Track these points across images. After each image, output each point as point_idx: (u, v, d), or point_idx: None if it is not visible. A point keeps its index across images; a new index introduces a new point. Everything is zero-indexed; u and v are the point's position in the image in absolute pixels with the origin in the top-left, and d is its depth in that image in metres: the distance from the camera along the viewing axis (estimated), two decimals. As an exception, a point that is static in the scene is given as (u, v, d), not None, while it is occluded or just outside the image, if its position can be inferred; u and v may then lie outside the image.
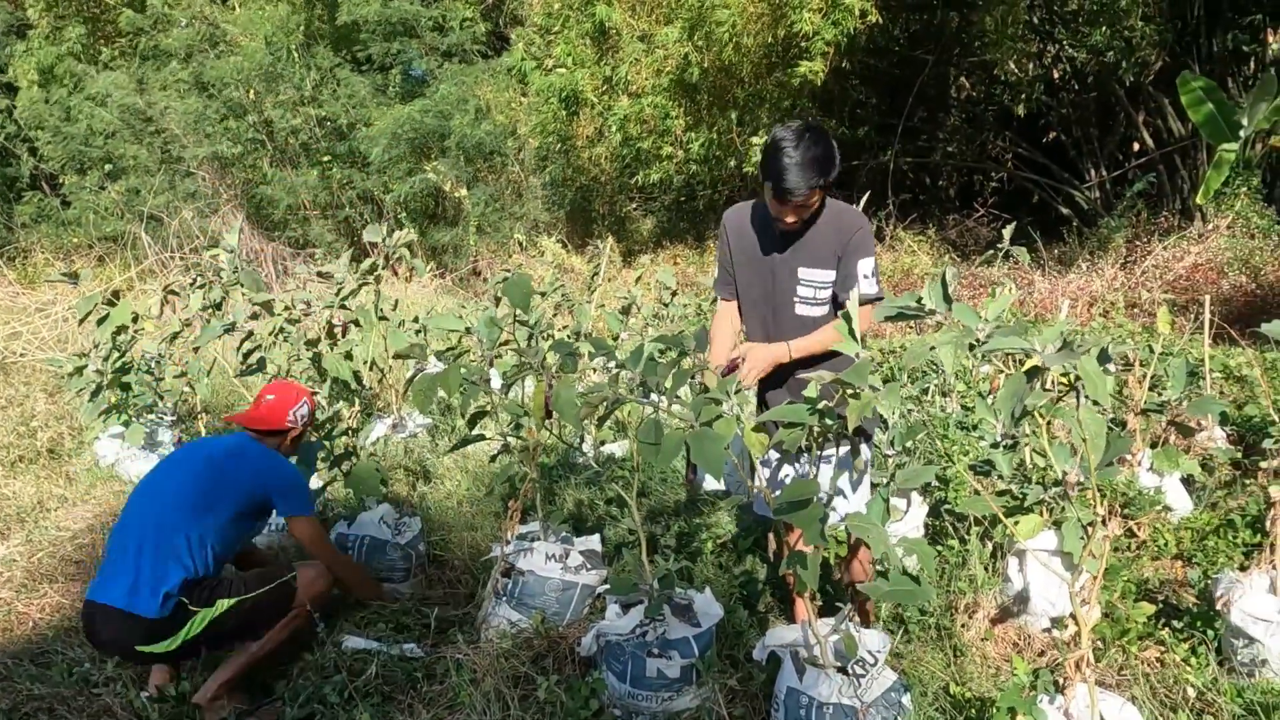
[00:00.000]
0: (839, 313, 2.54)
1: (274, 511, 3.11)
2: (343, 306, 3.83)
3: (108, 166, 15.02)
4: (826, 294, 2.68)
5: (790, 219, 2.56)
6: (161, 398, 5.08)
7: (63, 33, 16.77)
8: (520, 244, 13.68)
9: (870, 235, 2.65)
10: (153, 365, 5.03)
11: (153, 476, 3.03)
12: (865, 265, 2.61)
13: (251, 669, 2.92)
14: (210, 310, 3.97)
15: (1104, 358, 1.66)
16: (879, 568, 2.45)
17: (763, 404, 2.93)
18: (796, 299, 2.70)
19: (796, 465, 2.77)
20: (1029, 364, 1.83)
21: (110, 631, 2.75)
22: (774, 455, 2.82)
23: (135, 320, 4.14)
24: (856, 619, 2.50)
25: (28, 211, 16.23)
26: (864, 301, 2.51)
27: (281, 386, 3.35)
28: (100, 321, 4.02)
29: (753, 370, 2.60)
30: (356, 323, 3.83)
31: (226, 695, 2.84)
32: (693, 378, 2.24)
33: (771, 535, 2.66)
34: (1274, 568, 2.83)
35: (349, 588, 3.34)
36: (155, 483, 2.99)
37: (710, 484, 4.56)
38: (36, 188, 17.18)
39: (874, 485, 2.71)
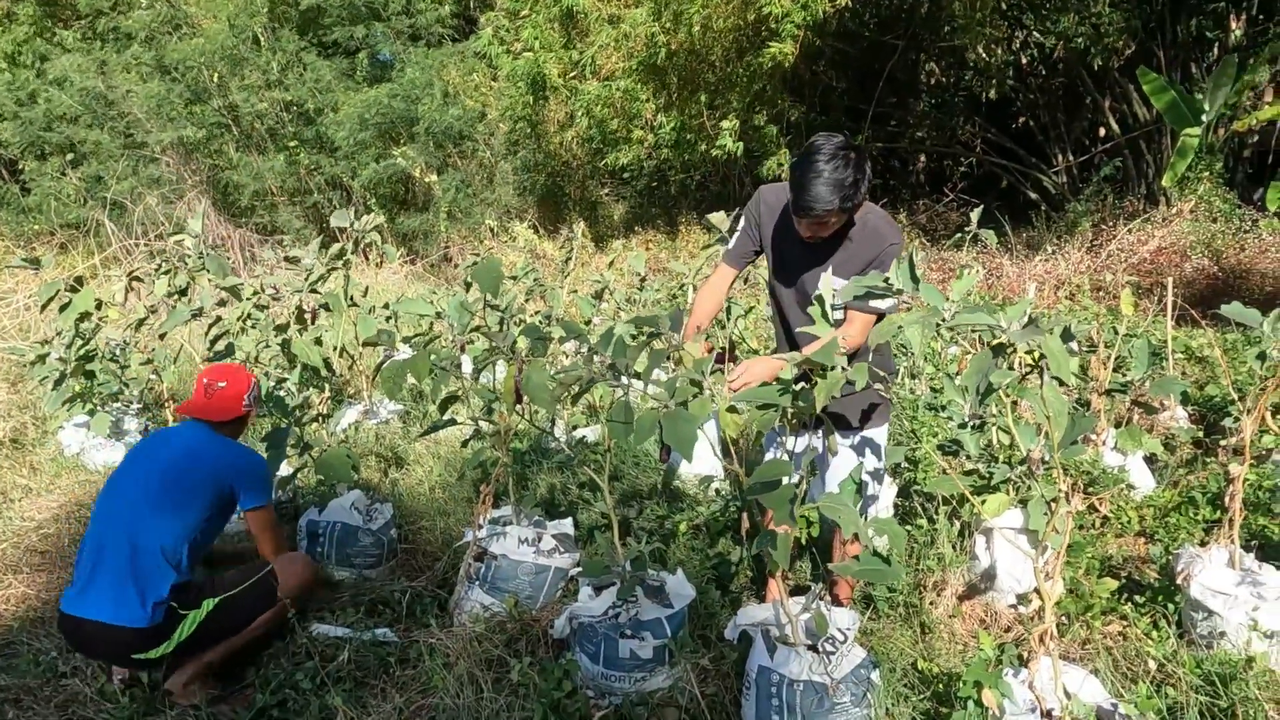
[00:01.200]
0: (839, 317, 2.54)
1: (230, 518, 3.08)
2: (313, 291, 3.79)
3: (69, 154, 14.72)
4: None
5: (807, 233, 2.50)
6: (127, 385, 5.00)
7: (18, 13, 16.39)
8: (492, 230, 13.61)
9: (899, 253, 2.52)
10: (117, 352, 4.96)
11: (118, 482, 2.93)
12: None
13: (228, 657, 2.90)
14: (176, 296, 3.92)
15: (1067, 335, 1.69)
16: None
17: None
18: (809, 299, 2.61)
19: (808, 441, 2.68)
20: (993, 343, 1.85)
21: (100, 646, 2.74)
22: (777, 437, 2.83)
23: (99, 307, 4.07)
24: (827, 597, 2.53)
25: (-14, 198, 15.89)
26: (869, 313, 2.50)
27: (227, 371, 3.18)
28: (63, 308, 3.95)
29: (745, 382, 2.44)
30: (326, 307, 3.80)
31: (199, 682, 2.82)
32: (666, 359, 2.24)
33: (744, 516, 2.67)
34: (1232, 543, 2.90)
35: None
36: (122, 490, 2.89)
37: (693, 468, 4.59)
38: (-5, 174, 16.81)
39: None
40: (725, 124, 10.22)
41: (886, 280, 1.92)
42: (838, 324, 2.58)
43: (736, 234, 2.83)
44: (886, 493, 3.70)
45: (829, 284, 2.31)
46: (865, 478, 2.69)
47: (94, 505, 2.93)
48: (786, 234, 2.66)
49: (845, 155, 2.36)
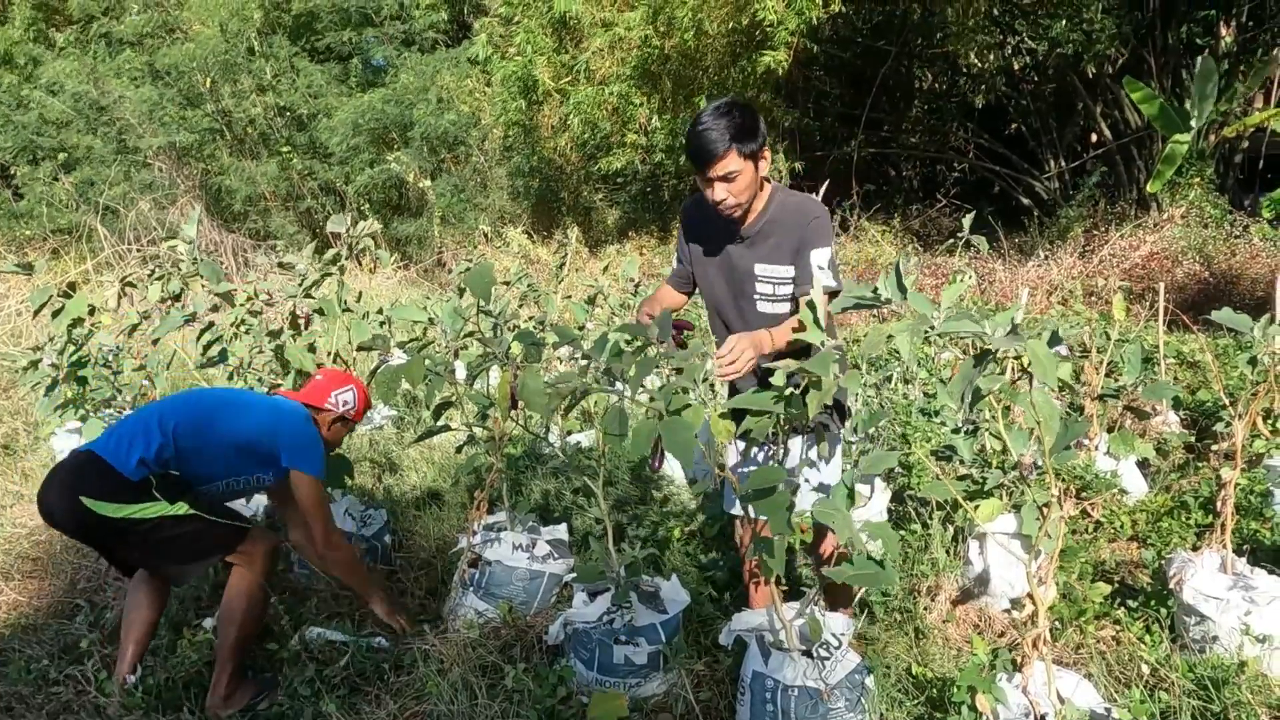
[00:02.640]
0: (798, 308, 2.43)
1: (267, 475, 2.99)
2: (307, 296, 3.79)
3: (61, 156, 14.69)
4: (786, 290, 2.53)
5: (720, 196, 2.40)
6: (119, 391, 4.98)
7: (11, 17, 16.37)
8: (485, 235, 13.62)
9: (827, 225, 2.50)
10: (110, 358, 4.94)
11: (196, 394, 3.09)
12: (820, 256, 2.45)
13: (240, 658, 2.82)
14: (169, 302, 3.91)
15: (1054, 340, 1.70)
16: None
17: (734, 391, 2.79)
18: (757, 296, 2.57)
19: (765, 450, 2.70)
20: (979, 350, 1.86)
21: (67, 476, 2.70)
22: (741, 445, 2.76)
23: (92, 313, 4.06)
24: (821, 603, 2.53)
25: (-22, 204, 15.85)
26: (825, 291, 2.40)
27: (335, 372, 3.25)
28: (56, 314, 3.94)
29: (743, 359, 2.31)
30: (320, 313, 3.79)
31: (239, 689, 2.79)
32: (658, 366, 2.24)
33: (739, 522, 2.67)
34: (1224, 547, 2.91)
35: (332, 566, 3.12)
36: (192, 395, 3.04)
37: (678, 473, 4.59)
38: (-13, 179, 16.78)
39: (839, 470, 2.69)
40: (719, 129, 10.23)
41: (875, 290, 1.93)
42: (787, 315, 2.53)
43: (675, 259, 2.83)
44: (880, 497, 3.70)
45: (819, 281, 2.28)
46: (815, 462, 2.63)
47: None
48: (717, 230, 2.59)
49: (725, 105, 2.36)
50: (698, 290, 2.79)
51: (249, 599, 2.84)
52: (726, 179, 2.38)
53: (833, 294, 2.45)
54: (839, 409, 2.63)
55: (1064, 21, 10.40)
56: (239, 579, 2.86)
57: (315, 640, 3.05)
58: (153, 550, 2.77)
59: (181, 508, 2.72)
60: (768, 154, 2.46)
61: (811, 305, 2.19)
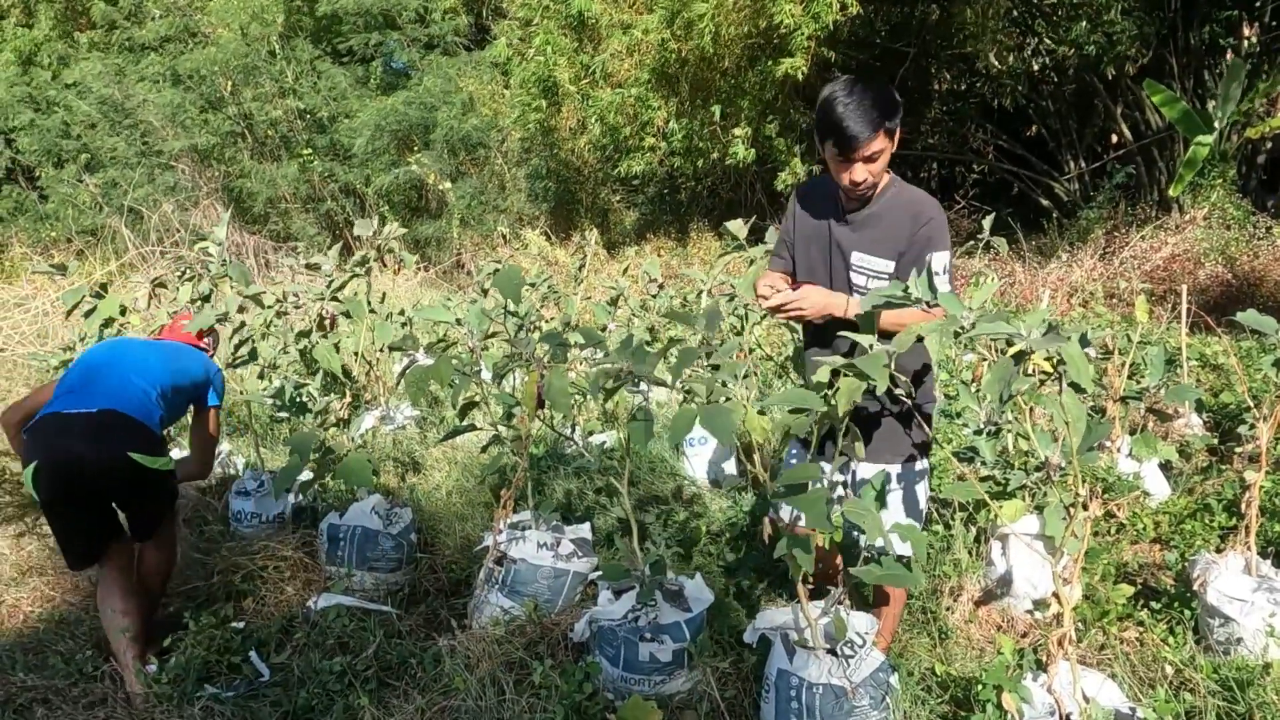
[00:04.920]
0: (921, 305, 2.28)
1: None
2: (334, 299, 3.85)
3: (85, 158, 14.87)
4: (881, 284, 2.36)
5: (860, 177, 2.30)
6: (148, 390, 5.05)
7: (36, 20, 16.58)
8: (504, 237, 13.68)
9: (945, 226, 2.37)
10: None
11: (103, 348, 3.32)
12: (939, 260, 2.30)
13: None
14: (199, 303, 3.97)
15: (1084, 342, 1.72)
16: (869, 553, 2.49)
17: (800, 363, 2.70)
18: (852, 285, 2.46)
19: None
20: (1013, 350, 1.88)
21: (103, 431, 2.90)
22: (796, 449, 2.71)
23: (123, 313, 4.13)
24: (846, 601, 2.55)
25: (5, 205, 16.04)
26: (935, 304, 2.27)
27: (181, 317, 3.75)
28: (88, 314, 4.01)
29: (806, 306, 2.32)
30: (347, 314, 3.85)
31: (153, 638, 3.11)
32: (700, 358, 2.24)
33: (766, 521, 2.69)
34: (1248, 549, 2.91)
35: (201, 471, 3.68)
36: (113, 349, 3.28)
37: (700, 472, 4.62)
38: (13, 181, 16.98)
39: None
40: (737, 131, 10.26)
41: (905, 290, 1.95)
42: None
43: (778, 241, 2.75)
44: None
45: (940, 287, 2.15)
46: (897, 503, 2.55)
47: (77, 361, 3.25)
48: (825, 210, 2.52)
49: (863, 82, 2.28)
50: (799, 271, 2.67)
51: (173, 549, 3.35)
52: (870, 159, 2.29)
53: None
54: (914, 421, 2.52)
55: (1084, 23, 10.35)
56: (170, 535, 3.31)
57: (329, 609, 3.11)
58: (153, 504, 3.12)
59: (170, 461, 3.09)
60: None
61: (950, 297, 2.07)
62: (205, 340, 3.68)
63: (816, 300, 2.34)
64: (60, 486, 2.87)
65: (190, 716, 2.71)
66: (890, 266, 2.39)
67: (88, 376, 3.08)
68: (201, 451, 3.55)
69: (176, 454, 3.99)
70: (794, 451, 2.75)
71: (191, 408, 3.47)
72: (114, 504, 3.02)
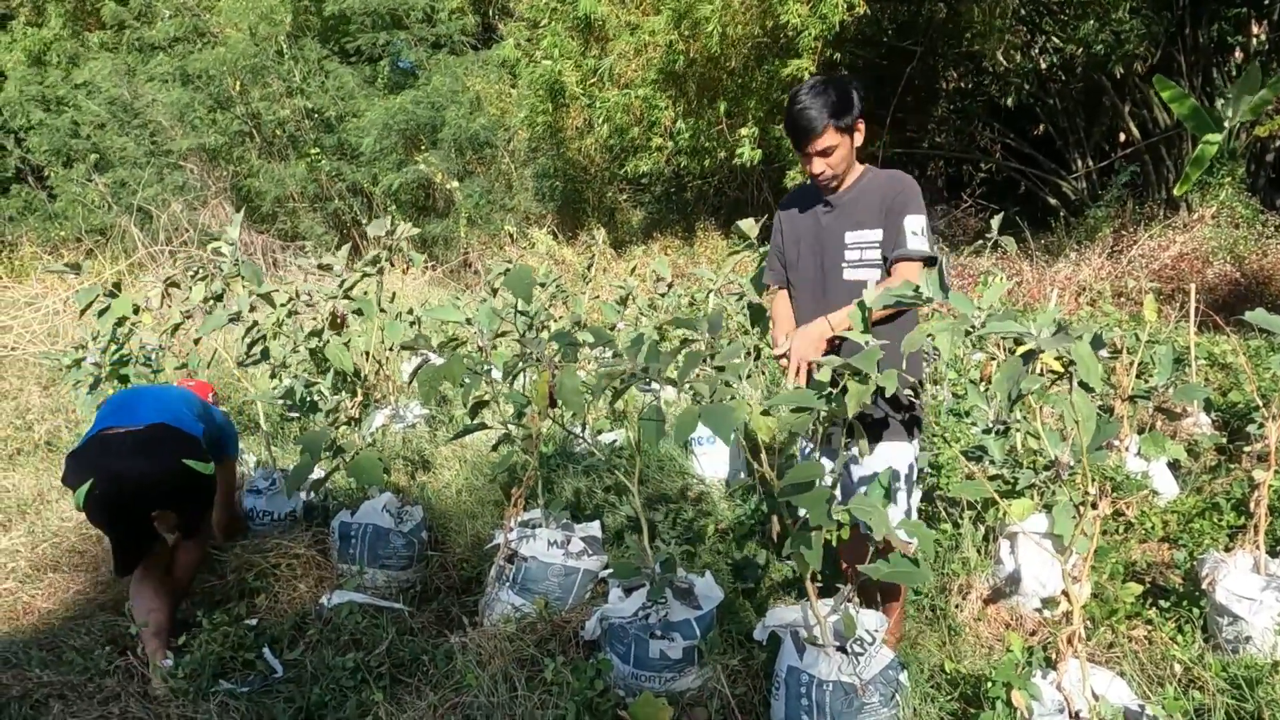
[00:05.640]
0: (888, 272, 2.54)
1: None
2: (346, 297, 3.87)
3: (94, 158, 14.94)
4: (874, 254, 2.59)
5: (818, 169, 2.54)
6: (160, 389, 5.09)
7: (45, 20, 16.65)
8: (511, 236, 13.71)
9: (917, 193, 2.56)
10: (151, 357, 5.04)
11: (127, 390, 3.53)
12: (913, 222, 2.52)
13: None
14: (211, 302, 4.00)
15: (1097, 342, 1.73)
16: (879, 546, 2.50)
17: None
18: (844, 264, 2.63)
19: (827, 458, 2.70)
20: (1022, 349, 1.89)
21: (154, 445, 3.02)
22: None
23: (136, 312, 4.16)
24: (856, 599, 2.56)
25: (14, 205, 16.12)
26: (915, 259, 2.49)
27: (194, 381, 4.07)
28: (101, 313, 4.03)
29: (801, 361, 2.45)
30: (359, 313, 3.88)
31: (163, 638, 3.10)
32: (704, 360, 2.27)
33: (775, 519, 2.71)
34: (1257, 548, 2.91)
35: (234, 534, 3.97)
36: (138, 388, 3.51)
37: (707, 470, 4.63)
38: (22, 180, 17.06)
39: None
40: (744, 131, 10.27)
41: (916, 289, 1.96)
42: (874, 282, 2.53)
43: (769, 254, 2.91)
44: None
45: (870, 292, 2.30)
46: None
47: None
48: (808, 211, 2.73)
49: (824, 83, 2.48)
50: (792, 274, 2.84)
51: (201, 550, 3.42)
52: (824, 154, 2.51)
53: (928, 261, 2.50)
54: (899, 406, 2.63)
55: (1092, 21, 10.33)
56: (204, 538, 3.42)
57: (342, 605, 3.13)
58: (204, 503, 3.30)
59: (210, 466, 3.22)
60: (862, 126, 2.56)
61: (862, 305, 2.19)
62: (210, 398, 3.91)
63: (802, 346, 2.47)
64: (110, 507, 2.97)
65: (205, 712, 2.74)
66: (878, 235, 2.58)
67: (127, 402, 3.25)
68: (226, 505, 3.79)
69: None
70: (805, 449, 2.81)
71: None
72: (160, 509, 3.09)
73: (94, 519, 3.04)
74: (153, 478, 2.98)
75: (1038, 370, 1.98)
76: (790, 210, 2.82)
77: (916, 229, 2.51)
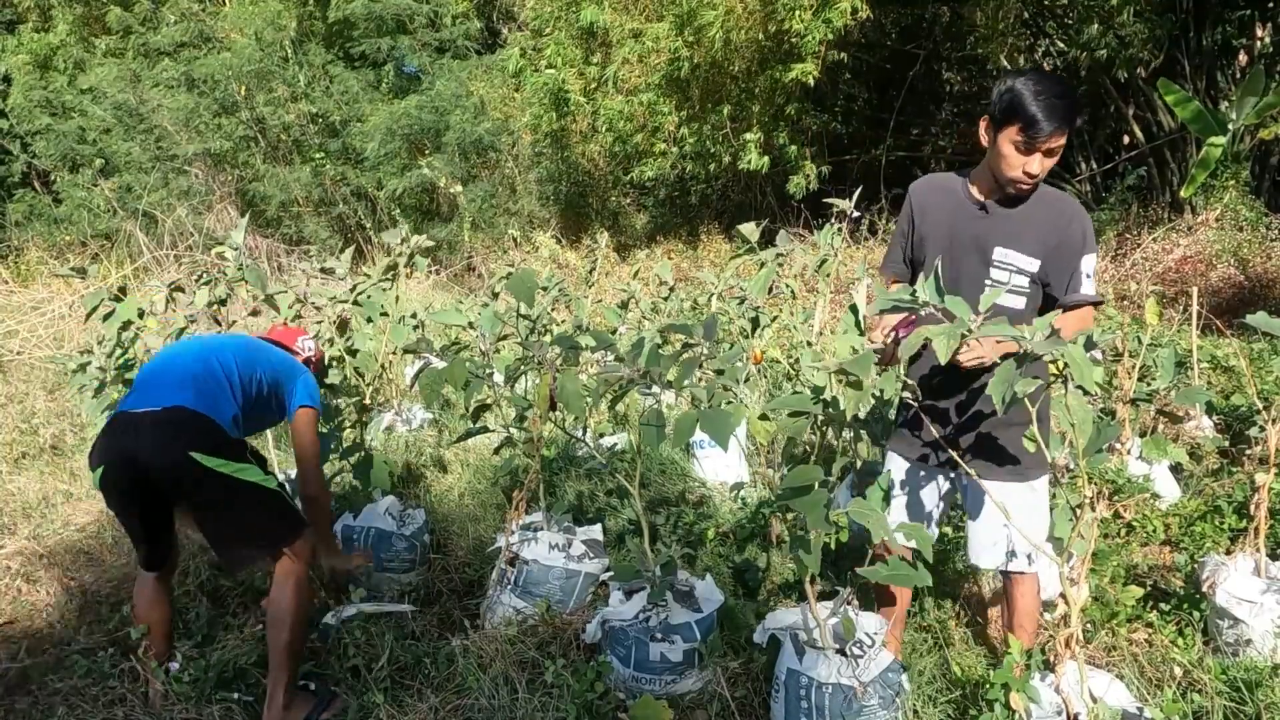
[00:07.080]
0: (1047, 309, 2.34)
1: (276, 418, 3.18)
2: (356, 303, 3.90)
3: (100, 163, 15.00)
4: (1023, 281, 2.36)
5: (1036, 169, 2.25)
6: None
7: (52, 24, 16.74)
8: (515, 240, 13.74)
9: (1091, 226, 2.37)
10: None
11: (180, 343, 3.07)
12: (1089, 263, 2.33)
13: (295, 664, 2.74)
14: (216, 306, 4.03)
15: (1090, 345, 1.74)
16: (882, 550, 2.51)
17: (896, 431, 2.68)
18: (989, 281, 2.37)
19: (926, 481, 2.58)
20: (1017, 351, 1.90)
21: (167, 429, 2.62)
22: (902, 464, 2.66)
23: (141, 316, 4.19)
24: (855, 601, 2.57)
25: (20, 210, 16.18)
26: (1085, 304, 2.34)
27: (286, 326, 3.52)
28: (107, 317, 4.06)
29: (981, 354, 2.14)
30: (370, 320, 3.90)
31: (295, 702, 2.72)
32: (699, 365, 2.29)
33: (775, 522, 2.72)
34: (1258, 551, 2.92)
35: (318, 510, 3.24)
36: (186, 347, 2.98)
37: (708, 474, 4.64)
38: (29, 185, 17.13)
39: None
40: (749, 135, 10.29)
41: (914, 294, 1.97)
42: (1017, 311, 2.36)
43: (892, 244, 2.67)
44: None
45: (1086, 292, 2.21)
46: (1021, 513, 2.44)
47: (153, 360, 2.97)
48: (953, 207, 2.46)
49: (1055, 77, 2.26)
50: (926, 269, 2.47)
51: (297, 597, 2.76)
52: (1050, 154, 2.27)
53: (1094, 304, 2.37)
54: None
55: (1096, 25, 10.32)
56: (285, 574, 2.77)
57: (355, 618, 3.13)
58: (234, 520, 2.73)
59: (272, 480, 2.76)
60: None
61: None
62: (299, 345, 3.37)
63: (988, 344, 2.14)
64: (120, 490, 2.68)
65: (209, 716, 2.75)
66: (1035, 265, 2.35)
67: (159, 370, 2.84)
68: (301, 465, 3.16)
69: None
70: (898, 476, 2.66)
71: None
72: (179, 505, 2.78)
73: (108, 505, 2.78)
74: (160, 469, 2.62)
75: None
76: (930, 201, 2.52)
77: (1090, 270, 2.34)
